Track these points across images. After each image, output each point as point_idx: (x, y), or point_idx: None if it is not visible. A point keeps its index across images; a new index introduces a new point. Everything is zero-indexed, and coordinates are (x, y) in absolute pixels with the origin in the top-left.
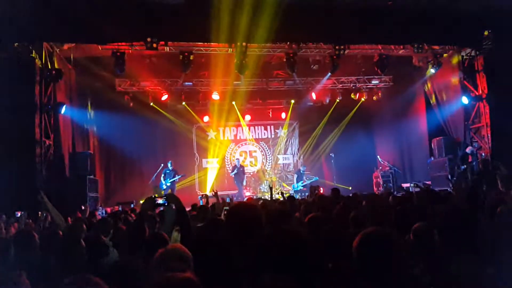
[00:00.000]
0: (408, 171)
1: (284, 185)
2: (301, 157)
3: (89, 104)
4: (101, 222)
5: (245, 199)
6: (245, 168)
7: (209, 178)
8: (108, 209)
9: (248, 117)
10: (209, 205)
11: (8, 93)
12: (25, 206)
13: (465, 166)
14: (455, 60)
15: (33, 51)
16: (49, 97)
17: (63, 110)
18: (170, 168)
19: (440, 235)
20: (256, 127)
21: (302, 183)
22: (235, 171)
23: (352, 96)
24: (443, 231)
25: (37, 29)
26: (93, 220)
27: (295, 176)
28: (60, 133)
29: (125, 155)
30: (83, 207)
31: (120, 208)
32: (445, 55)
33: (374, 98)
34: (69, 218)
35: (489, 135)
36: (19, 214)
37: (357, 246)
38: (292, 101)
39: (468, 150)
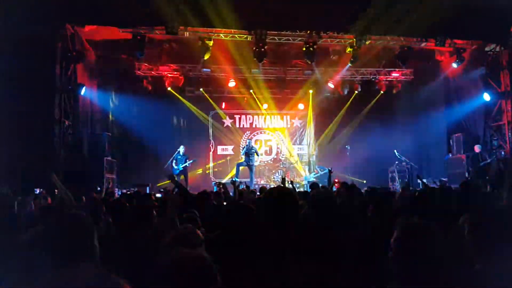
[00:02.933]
0: (425, 167)
1: (303, 171)
2: (317, 148)
3: (108, 86)
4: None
5: (256, 186)
6: (260, 157)
7: (224, 166)
8: (124, 191)
9: (265, 106)
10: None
11: (29, 73)
12: (44, 185)
13: (480, 165)
14: (477, 55)
15: (55, 32)
16: (69, 78)
17: (82, 91)
18: (182, 153)
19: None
20: (272, 117)
21: (314, 174)
22: (245, 150)
23: (374, 85)
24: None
25: (60, 10)
26: (110, 199)
27: (307, 167)
28: (79, 114)
29: (142, 138)
30: (99, 188)
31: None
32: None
33: (394, 91)
34: (83, 198)
35: (510, 133)
36: (38, 191)
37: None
38: (311, 91)
39: (476, 149)
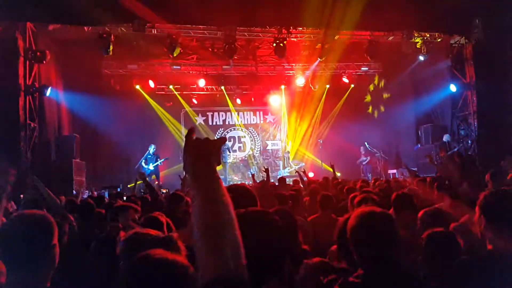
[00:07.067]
0: (395, 158)
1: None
2: (290, 143)
3: (75, 86)
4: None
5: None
6: (234, 153)
7: None
8: (94, 193)
9: (238, 101)
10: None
11: None
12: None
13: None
14: (443, 47)
15: (17, 32)
16: (33, 79)
17: (48, 92)
18: (152, 152)
19: None
20: (245, 113)
21: (288, 169)
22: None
23: (344, 79)
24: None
25: (21, 9)
26: (76, 202)
27: (280, 162)
28: (46, 116)
29: (112, 139)
30: (74, 192)
31: (107, 192)
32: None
33: (363, 84)
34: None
35: (475, 123)
36: None
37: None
38: (282, 87)
39: (444, 138)
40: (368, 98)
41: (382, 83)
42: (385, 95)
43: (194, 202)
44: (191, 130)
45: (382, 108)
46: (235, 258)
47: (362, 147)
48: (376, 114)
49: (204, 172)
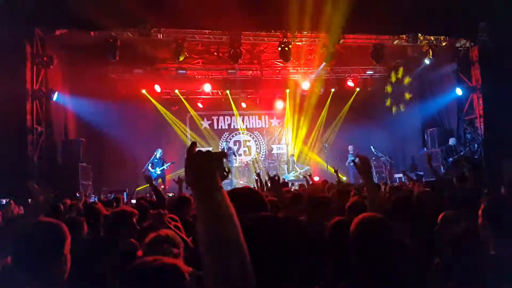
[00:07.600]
0: (401, 162)
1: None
2: (295, 147)
3: (81, 91)
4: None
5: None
6: (239, 157)
7: None
8: (102, 197)
9: (243, 105)
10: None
11: None
12: (17, 194)
13: (452, 158)
14: (449, 51)
15: (24, 37)
16: (40, 83)
17: (55, 96)
18: (158, 157)
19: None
20: (250, 117)
21: (293, 173)
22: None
23: (349, 83)
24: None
25: (29, 15)
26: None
27: (285, 166)
28: (52, 120)
29: (118, 143)
30: (78, 194)
31: (113, 196)
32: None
33: (369, 88)
34: (60, 205)
35: (482, 126)
36: (4, 201)
37: (354, 232)
38: (287, 91)
39: (450, 142)
40: (388, 102)
41: (400, 72)
42: (407, 80)
43: (198, 217)
44: (193, 145)
45: (407, 96)
46: (242, 267)
47: (350, 146)
48: (402, 108)
49: (207, 188)
